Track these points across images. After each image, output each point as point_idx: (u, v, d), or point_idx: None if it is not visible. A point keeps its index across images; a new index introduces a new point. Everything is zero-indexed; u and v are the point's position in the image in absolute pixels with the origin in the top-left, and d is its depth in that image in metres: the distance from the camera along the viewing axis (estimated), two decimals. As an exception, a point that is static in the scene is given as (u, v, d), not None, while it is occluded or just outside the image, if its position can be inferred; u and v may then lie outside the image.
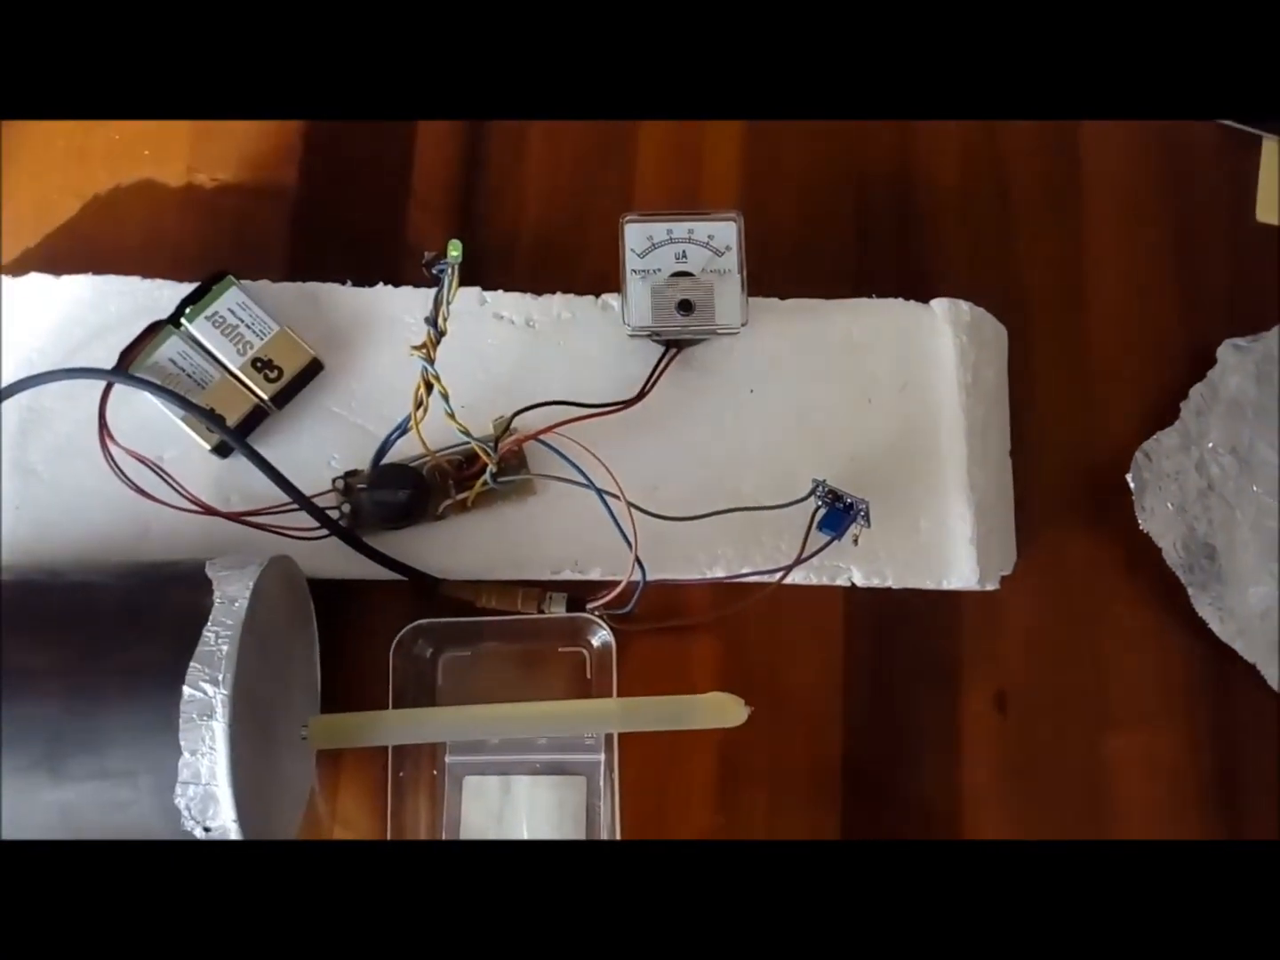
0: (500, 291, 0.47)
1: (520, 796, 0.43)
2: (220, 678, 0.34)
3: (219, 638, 0.35)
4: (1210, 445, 0.48)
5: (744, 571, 0.44)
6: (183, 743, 0.34)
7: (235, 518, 0.42)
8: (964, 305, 0.47)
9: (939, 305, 0.47)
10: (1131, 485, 0.47)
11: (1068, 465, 0.48)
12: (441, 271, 0.38)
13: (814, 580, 0.45)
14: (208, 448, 0.43)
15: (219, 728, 0.34)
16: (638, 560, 0.42)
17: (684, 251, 0.44)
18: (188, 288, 0.45)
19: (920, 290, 0.48)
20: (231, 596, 0.36)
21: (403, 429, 0.42)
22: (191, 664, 0.34)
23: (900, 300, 0.47)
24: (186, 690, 0.34)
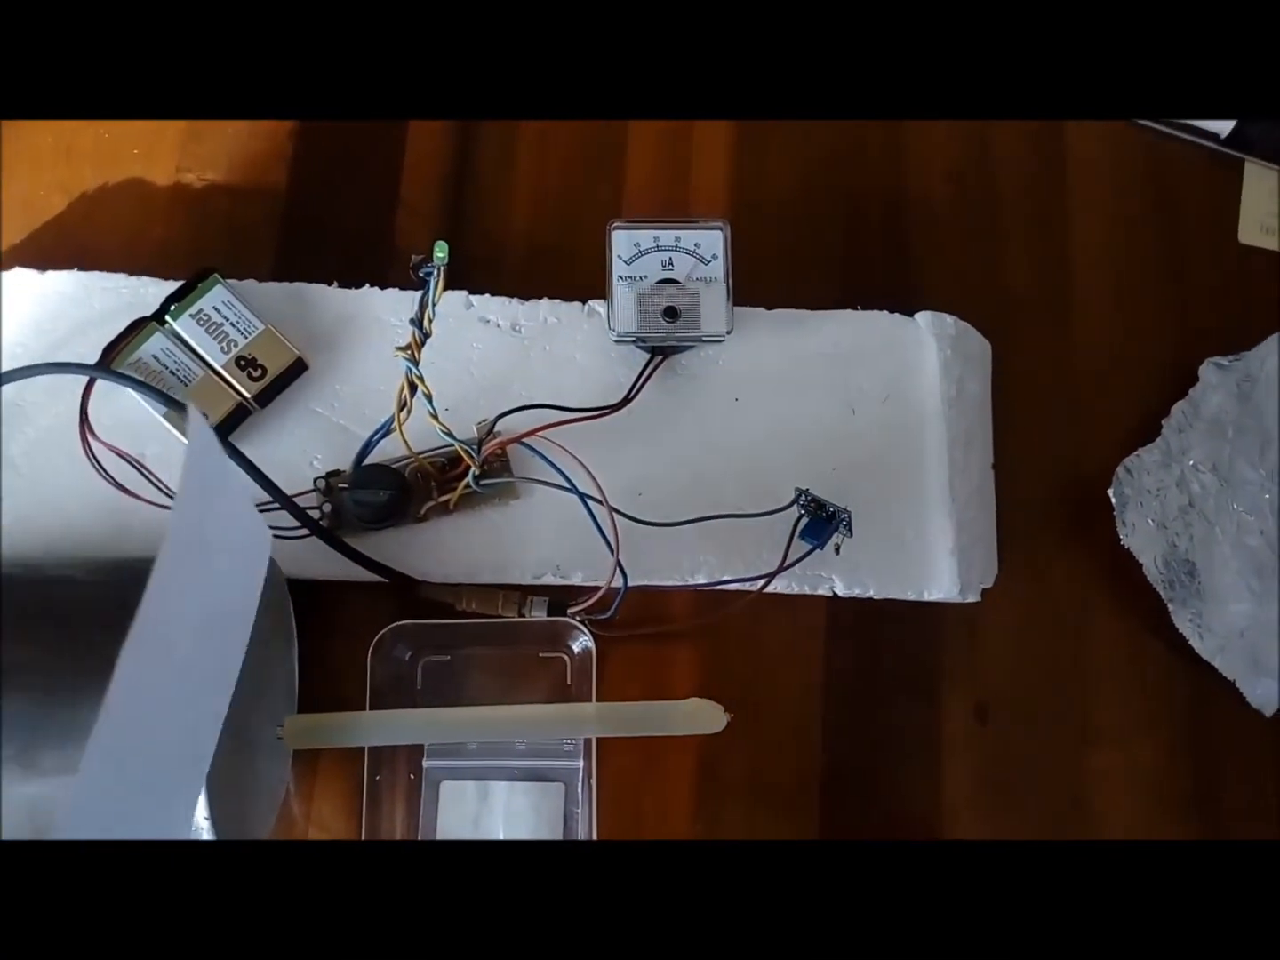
0: (487, 295, 0.47)
1: (497, 802, 0.43)
2: (195, 674, 0.34)
3: (195, 634, 0.34)
4: (1191, 463, 0.48)
5: (726, 579, 0.44)
6: (156, 739, 0.33)
7: (215, 515, 0.42)
8: (948, 319, 0.47)
9: (923, 318, 0.47)
10: (1113, 501, 0.47)
11: (1050, 479, 0.49)
12: (428, 274, 0.38)
13: (796, 589, 0.45)
14: (190, 445, 0.43)
15: (193, 724, 0.33)
16: (619, 565, 0.42)
17: (670, 259, 0.45)
18: (173, 285, 0.45)
19: (906, 303, 0.48)
20: (209, 593, 0.36)
21: (386, 430, 0.42)
22: (167, 660, 0.34)
23: (885, 313, 0.48)
24: (161, 686, 0.34)
